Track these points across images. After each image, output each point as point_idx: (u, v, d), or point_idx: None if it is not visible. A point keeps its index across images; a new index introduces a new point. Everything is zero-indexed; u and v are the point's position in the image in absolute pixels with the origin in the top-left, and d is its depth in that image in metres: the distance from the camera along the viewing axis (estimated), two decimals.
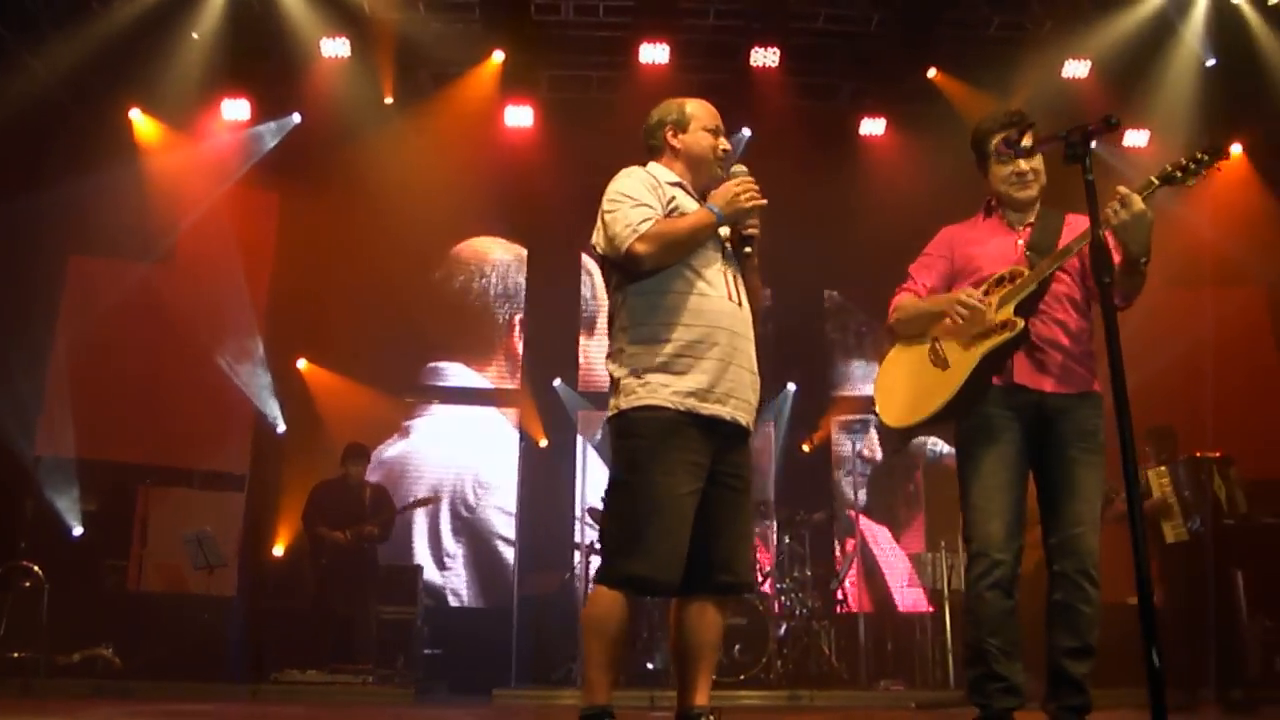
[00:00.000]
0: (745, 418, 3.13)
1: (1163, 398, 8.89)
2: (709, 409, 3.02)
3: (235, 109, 9.34)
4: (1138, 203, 2.92)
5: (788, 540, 8.03)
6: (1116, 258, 3.06)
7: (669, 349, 3.04)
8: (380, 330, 9.46)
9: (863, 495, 8.89)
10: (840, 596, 8.32)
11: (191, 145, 9.33)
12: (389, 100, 9.26)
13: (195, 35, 8.67)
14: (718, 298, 3.11)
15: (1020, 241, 3.30)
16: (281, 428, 9.57)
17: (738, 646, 7.21)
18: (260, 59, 9.08)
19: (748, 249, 3.22)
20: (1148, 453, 7.04)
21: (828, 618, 7.98)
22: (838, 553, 9.13)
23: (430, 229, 9.56)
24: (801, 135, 9.60)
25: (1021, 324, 3.10)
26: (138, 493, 8.94)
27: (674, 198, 3.19)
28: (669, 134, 3.30)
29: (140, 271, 9.12)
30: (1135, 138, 9.56)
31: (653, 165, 3.32)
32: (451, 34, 8.84)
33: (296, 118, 9.54)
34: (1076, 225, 3.21)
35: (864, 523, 8.95)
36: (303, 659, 7.50)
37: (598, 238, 3.20)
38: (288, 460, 9.45)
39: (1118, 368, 2.61)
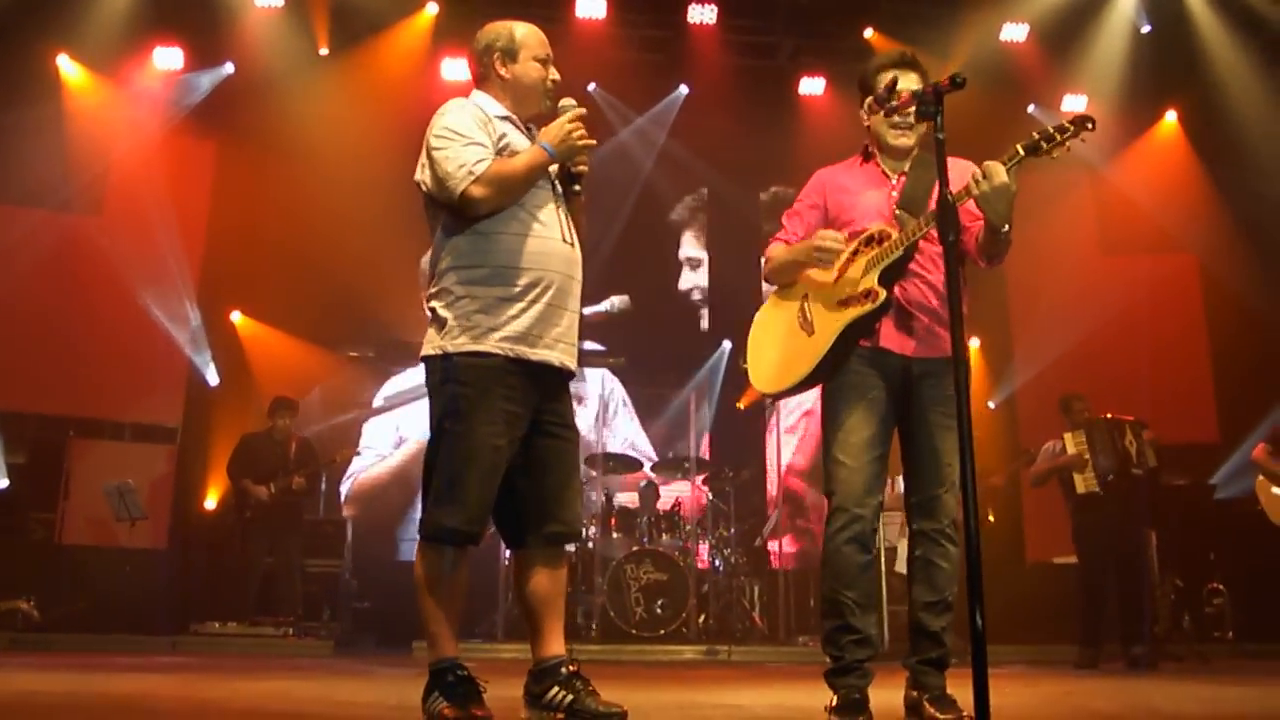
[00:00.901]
0: (572, 362, 3.07)
1: (1092, 362, 9.07)
2: (538, 355, 2.95)
3: (167, 57, 9.19)
4: (1000, 175, 2.90)
5: (710, 497, 8.11)
6: (979, 224, 3.08)
7: (499, 292, 2.93)
8: (315, 283, 9.36)
9: (790, 454, 8.98)
10: (768, 553, 8.43)
11: (122, 93, 9.18)
12: (324, 51, 9.16)
13: None
14: (551, 239, 3.01)
15: (894, 194, 3.29)
16: (214, 380, 9.51)
17: (659, 602, 7.29)
18: (193, 7, 8.94)
19: (576, 187, 3.12)
20: (1062, 419, 7.14)
21: (752, 574, 8.07)
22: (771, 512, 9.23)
23: (366, 181, 9.46)
24: (740, 93, 9.61)
25: (883, 295, 3.08)
26: (66, 445, 8.85)
27: (505, 134, 3.04)
28: (497, 62, 3.12)
29: (68, 222, 8.98)
30: (1073, 102, 9.58)
31: (478, 94, 3.15)
32: None
33: (230, 67, 9.38)
34: (952, 176, 3.16)
35: (793, 481, 9.06)
36: (227, 611, 7.53)
37: (423, 175, 3.02)
38: (220, 413, 9.40)
39: (958, 332, 2.63)
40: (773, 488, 8.49)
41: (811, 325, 3.25)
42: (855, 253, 3.20)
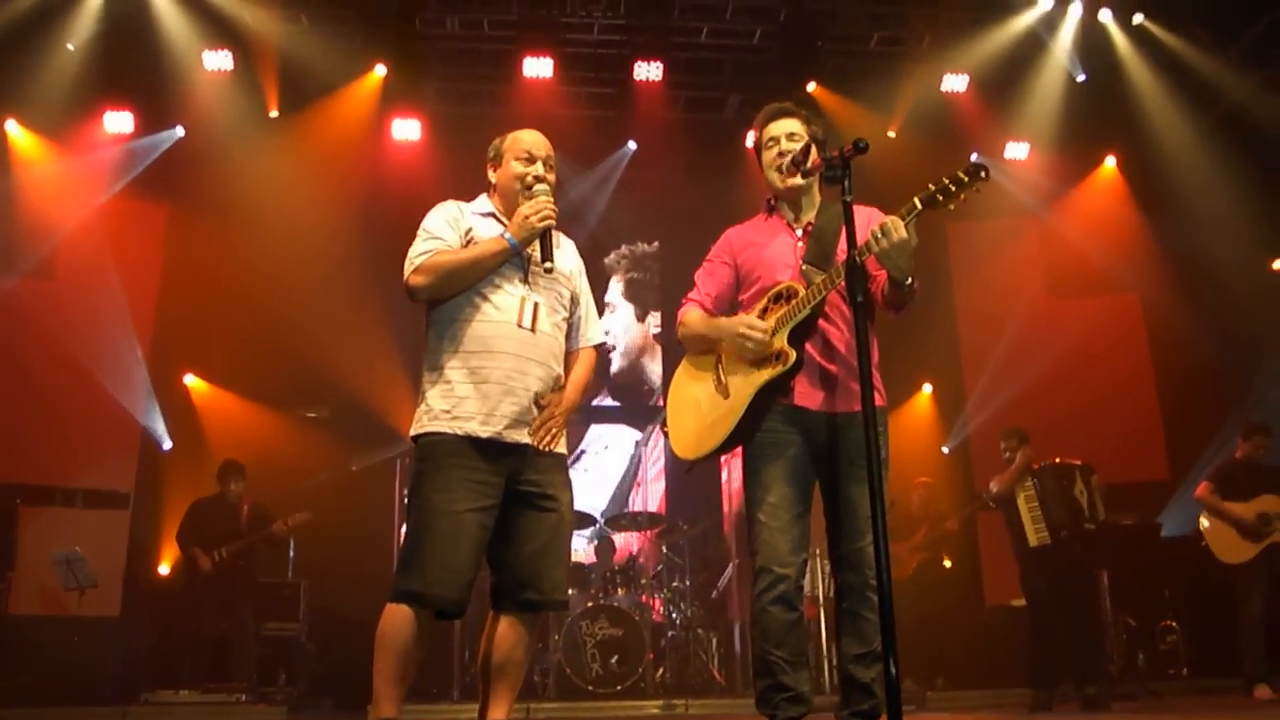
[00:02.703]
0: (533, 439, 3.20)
1: (1044, 403, 9.19)
2: (488, 432, 3.10)
3: (117, 121, 9.20)
4: (898, 231, 2.94)
5: (665, 550, 8.11)
6: (884, 274, 3.15)
7: (450, 375, 3.15)
8: (269, 344, 9.32)
9: (741, 503, 8.98)
10: (728, 606, 8.41)
11: (71, 158, 9.17)
12: (274, 113, 9.21)
13: (70, 46, 8.57)
14: (503, 323, 3.18)
15: (799, 244, 3.36)
16: (167, 444, 9.43)
17: (615, 657, 7.26)
18: (141, 71, 8.95)
19: (548, 265, 3.25)
20: (1002, 449, 7.21)
21: (709, 626, 8.06)
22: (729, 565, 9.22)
23: (318, 242, 9.48)
24: (688, 147, 9.76)
25: (794, 356, 3.15)
26: (15, 513, 8.72)
27: (471, 228, 3.27)
28: (490, 169, 3.45)
29: (17, 287, 8.92)
30: (1016, 150, 9.81)
31: (480, 198, 3.44)
32: (336, 47, 8.78)
33: (180, 130, 9.41)
34: (857, 224, 3.21)
35: (744, 532, 9.05)
36: (180, 679, 7.42)
37: None
38: (173, 477, 9.30)
39: (867, 388, 2.69)
40: (729, 539, 8.48)
41: (726, 388, 3.30)
42: (765, 310, 3.26)
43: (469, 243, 3.24)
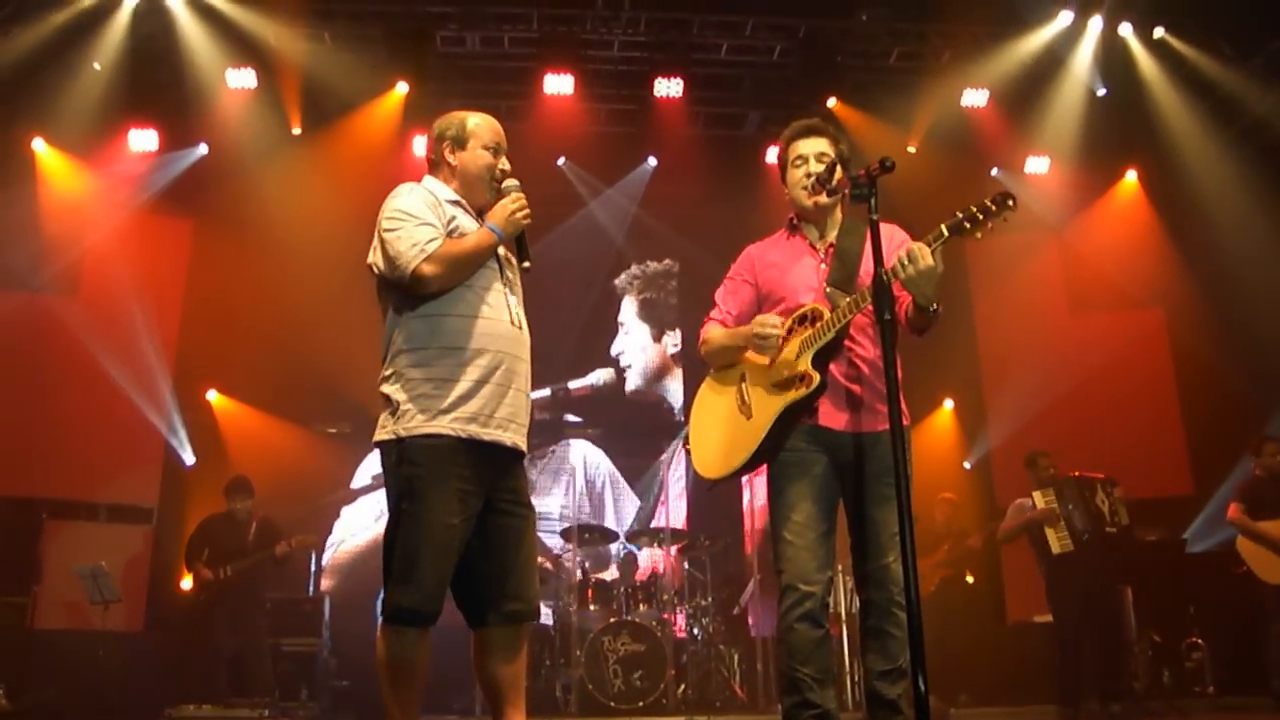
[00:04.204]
0: (523, 442, 3.15)
1: (1065, 420, 9.16)
2: (490, 434, 3.02)
3: (142, 139, 9.28)
4: (925, 259, 2.93)
5: (687, 566, 8.10)
6: (907, 300, 3.14)
7: (449, 373, 3.01)
8: (291, 360, 9.37)
9: (767, 520, 8.98)
10: (750, 622, 8.40)
11: (96, 175, 9.26)
12: (296, 131, 9.28)
13: (97, 66, 8.64)
14: (498, 321, 3.11)
15: (822, 266, 3.36)
16: (190, 459, 9.49)
17: (637, 673, 7.24)
18: (166, 90, 9.05)
19: (526, 264, 3.24)
20: (1028, 477, 7.20)
21: (731, 642, 8.03)
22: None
23: (340, 258, 9.51)
24: (708, 163, 9.78)
25: (818, 379, 3.13)
26: (40, 527, 8.78)
27: (454, 217, 3.14)
28: (447, 150, 3.25)
29: (43, 303, 9.02)
30: (1036, 164, 9.78)
31: (428, 179, 3.26)
32: (358, 65, 8.85)
33: (204, 148, 9.50)
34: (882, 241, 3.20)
35: (770, 547, 9.04)
36: (202, 694, 7.44)
37: (375, 257, 3.12)
38: (196, 492, 9.32)
39: (894, 408, 2.69)
40: (750, 555, 8.46)
41: (750, 408, 3.30)
42: (789, 332, 3.26)
43: (453, 231, 3.10)
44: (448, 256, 3.00)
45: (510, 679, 3.10)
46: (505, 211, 3.14)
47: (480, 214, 3.24)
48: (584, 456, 10.29)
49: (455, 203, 3.20)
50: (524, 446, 3.16)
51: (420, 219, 3.04)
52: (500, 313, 3.12)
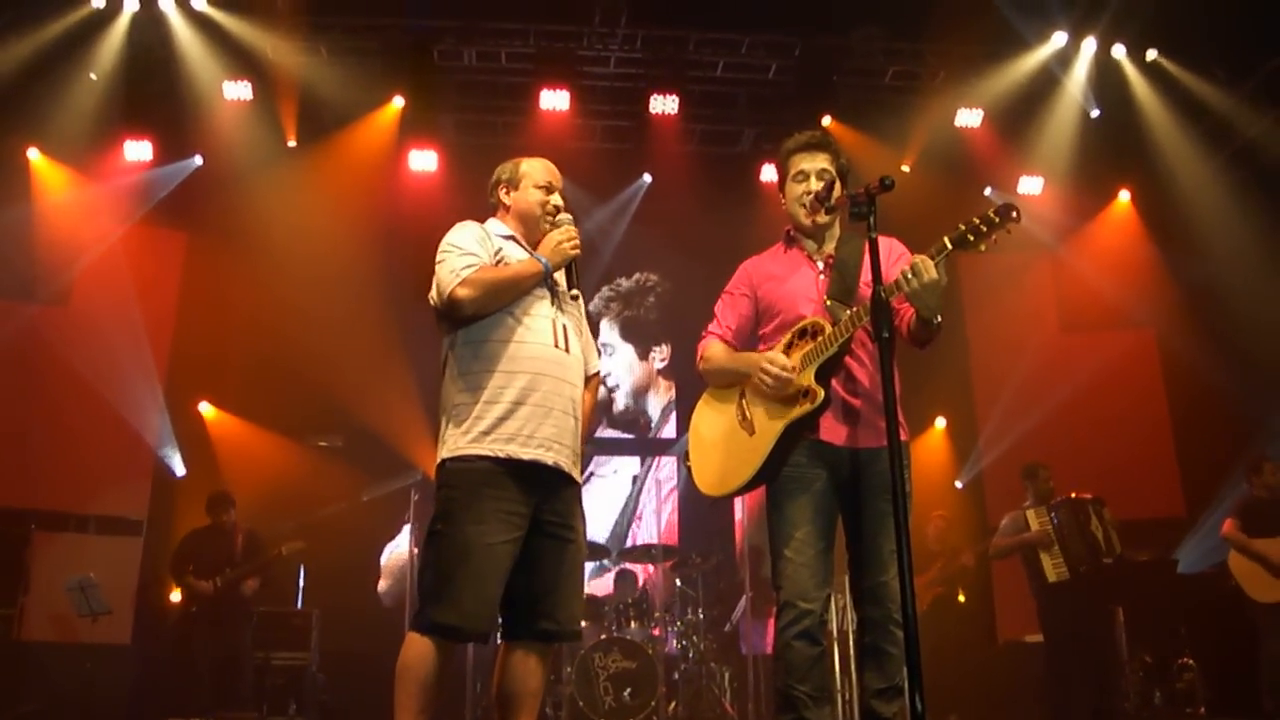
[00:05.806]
0: (568, 464, 3.19)
1: (1057, 439, 9.16)
2: (530, 454, 3.09)
3: (137, 150, 9.24)
4: (929, 272, 2.93)
5: (678, 583, 8.08)
6: (911, 311, 3.15)
7: (489, 395, 3.12)
8: (283, 373, 9.34)
9: (755, 536, 8.96)
10: (741, 639, 8.37)
11: (92, 186, 9.24)
12: (292, 143, 9.27)
13: (93, 76, 8.64)
14: (539, 344, 3.20)
15: (821, 278, 3.36)
16: (181, 471, 9.43)
17: (628, 690, 7.21)
18: (162, 101, 9.03)
19: (574, 292, 3.37)
20: (1024, 488, 7.20)
21: (722, 660, 8.01)
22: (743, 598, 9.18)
23: (334, 271, 9.52)
24: (703, 180, 9.79)
25: (822, 394, 3.13)
26: (28, 538, 8.72)
27: (500, 249, 3.30)
28: (502, 192, 3.46)
29: (33, 312, 8.98)
30: (1030, 184, 9.81)
31: (490, 221, 3.44)
32: (354, 79, 8.85)
33: (199, 160, 9.49)
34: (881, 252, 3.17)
35: (758, 565, 9.02)
36: (190, 707, 7.38)
37: (432, 292, 3.26)
38: (186, 504, 9.25)
39: (893, 424, 2.69)
40: (742, 572, 8.44)
41: (752, 425, 3.29)
42: (789, 346, 3.25)
43: (499, 262, 3.26)
44: (482, 281, 3.14)
45: (526, 694, 3.17)
46: (553, 242, 3.28)
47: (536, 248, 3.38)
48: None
49: (509, 237, 3.37)
50: (568, 468, 3.21)
51: (464, 249, 3.21)
52: (542, 336, 3.22)
